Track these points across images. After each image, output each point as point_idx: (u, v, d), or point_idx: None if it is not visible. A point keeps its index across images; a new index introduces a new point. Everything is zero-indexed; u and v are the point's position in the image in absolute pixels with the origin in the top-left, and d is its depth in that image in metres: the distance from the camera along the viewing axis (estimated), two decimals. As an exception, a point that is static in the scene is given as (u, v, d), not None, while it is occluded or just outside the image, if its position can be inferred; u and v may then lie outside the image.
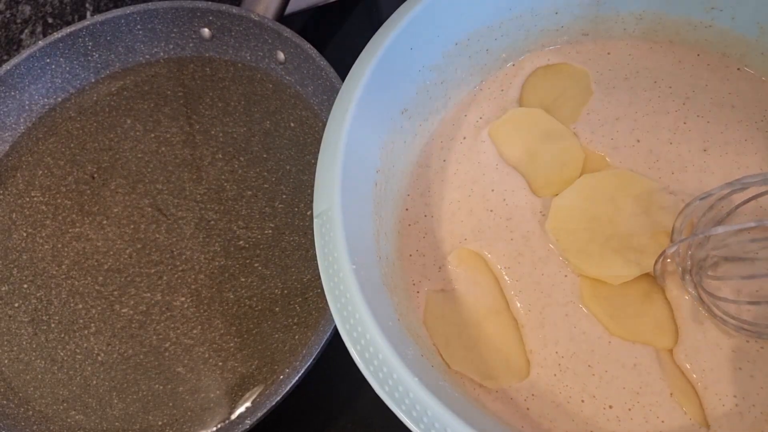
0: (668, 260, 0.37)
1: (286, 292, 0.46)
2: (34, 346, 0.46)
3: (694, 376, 0.35)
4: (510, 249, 0.39)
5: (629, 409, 0.34)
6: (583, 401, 0.35)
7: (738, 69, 0.43)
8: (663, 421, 0.34)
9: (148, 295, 0.47)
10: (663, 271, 0.37)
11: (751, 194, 0.36)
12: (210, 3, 0.53)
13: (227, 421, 0.42)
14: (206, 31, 0.54)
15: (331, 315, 0.33)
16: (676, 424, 0.34)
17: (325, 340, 0.40)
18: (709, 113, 0.41)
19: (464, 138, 0.43)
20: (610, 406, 0.35)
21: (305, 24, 0.62)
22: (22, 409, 0.44)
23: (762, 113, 0.41)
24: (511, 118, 0.43)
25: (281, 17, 0.53)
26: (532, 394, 0.35)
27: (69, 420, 0.43)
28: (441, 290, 0.38)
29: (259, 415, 0.39)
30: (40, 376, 0.45)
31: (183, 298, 0.46)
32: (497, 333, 0.37)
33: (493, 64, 0.45)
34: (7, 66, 0.52)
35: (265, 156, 0.51)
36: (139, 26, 0.54)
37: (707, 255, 0.36)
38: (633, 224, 0.38)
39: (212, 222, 0.49)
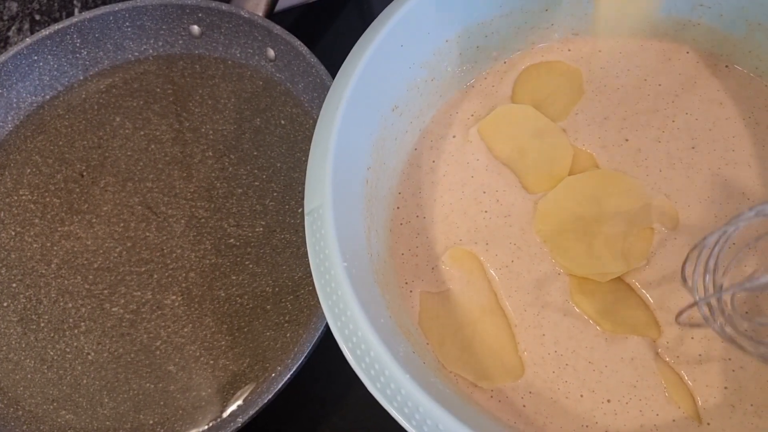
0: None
1: (277, 289, 0.45)
2: (23, 345, 0.46)
3: (682, 368, 0.35)
4: (508, 247, 0.39)
5: (626, 403, 0.35)
6: (582, 396, 0.35)
7: (726, 66, 0.43)
8: (657, 414, 0.34)
9: (139, 293, 0.46)
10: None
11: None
12: (199, 0, 0.53)
13: (219, 420, 0.42)
14: (196, 28, 0.54)
15: (322, 312, 0.33)
16: (669, 418, 0.34)
17: (316, 337, 0.40)
18: (697, 110, 0.42)
19: (453, 137, 0.43)
20: (608, 400, 0.35)
21: (295, 21, 0.61)
22: (12, 409, 0.44)
23: (750, 110, 0.41)
24: (500, 115, 0.43)
25: (271, 14, 0.53)
26: (530, 392, 0.35)
27: (59, 420, 0.43)
28: (435, 292, 0.38)
29: (251, 413, 0.39)
30: (29, 376, 0.45)
31: (174, 297, 0.46)
32: (491, 333, 0.37)
33: (484, 62, 0.45)
34: (-6, 63, 0.51)
35: (255, 153, 0.51)
36: (127, 23, 0.54)
37: (740, 294, 0.33)
38: (618, 222, 0.39)
39: (203, 220, 0.49)
